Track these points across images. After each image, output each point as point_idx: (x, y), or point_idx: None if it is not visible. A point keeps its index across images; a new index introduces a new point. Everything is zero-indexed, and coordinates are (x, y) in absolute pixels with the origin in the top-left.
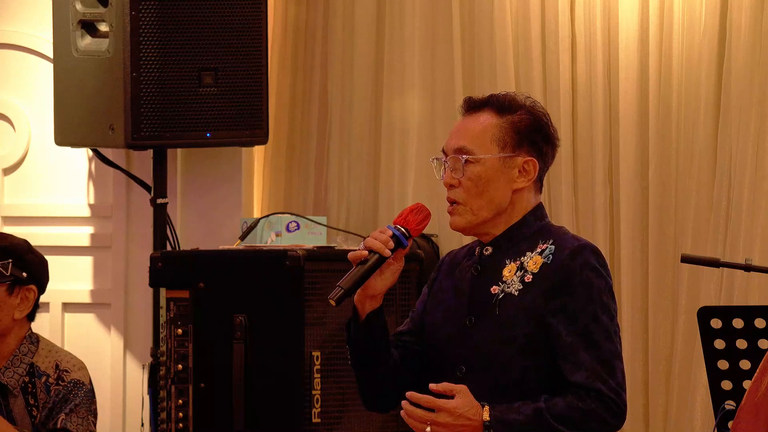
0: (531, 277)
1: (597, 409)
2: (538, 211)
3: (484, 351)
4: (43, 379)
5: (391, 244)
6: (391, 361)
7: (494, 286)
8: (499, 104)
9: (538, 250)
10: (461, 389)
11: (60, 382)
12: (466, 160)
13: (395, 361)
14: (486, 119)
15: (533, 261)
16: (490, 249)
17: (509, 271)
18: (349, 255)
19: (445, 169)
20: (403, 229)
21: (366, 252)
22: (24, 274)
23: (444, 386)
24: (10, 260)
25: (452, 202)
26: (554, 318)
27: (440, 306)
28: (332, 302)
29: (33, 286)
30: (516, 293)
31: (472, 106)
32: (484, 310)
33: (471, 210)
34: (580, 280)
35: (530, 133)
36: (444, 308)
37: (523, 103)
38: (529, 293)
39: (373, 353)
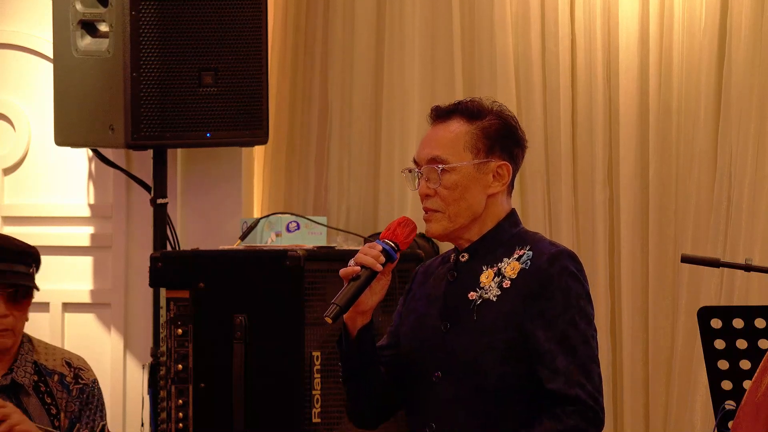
0: (509, 282)
1: (578, 425)
2: (512, 217)
3: (463, 357)
4: (56, 377)
5: (382, 258)
6: (380, 375)
7: (471, 292)
8: (468, 111)
9: (516, 256)
10: None
11: (80, 380)
12: (442, 169)
13: (383, 375)
14: (457, 127)
15: (511, 267)
16: (466, 255)
17: (486, 277)
18: (341, 272)
19: (418, 179)
20: (392, 243)
21: (358, 268)
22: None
23: None
24: (34, 266)
25: (429, 211)
26: (532, 323)
27: (413, 314)
28: (328, 320)
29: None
30: (494, 299)
31: (441, 114)
32: (460, 316)
33: (448, 217)
34: (558, 285)
35: (501, 137)
36: (416, 316)
37: (490, 108)
38: (507, 299)
39: (364, 369)
